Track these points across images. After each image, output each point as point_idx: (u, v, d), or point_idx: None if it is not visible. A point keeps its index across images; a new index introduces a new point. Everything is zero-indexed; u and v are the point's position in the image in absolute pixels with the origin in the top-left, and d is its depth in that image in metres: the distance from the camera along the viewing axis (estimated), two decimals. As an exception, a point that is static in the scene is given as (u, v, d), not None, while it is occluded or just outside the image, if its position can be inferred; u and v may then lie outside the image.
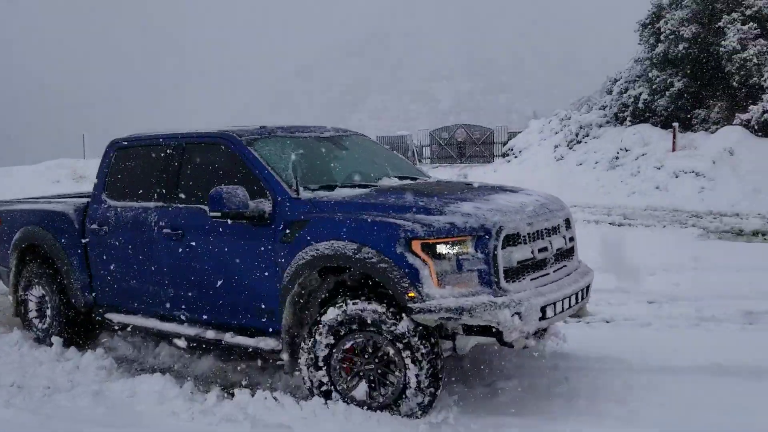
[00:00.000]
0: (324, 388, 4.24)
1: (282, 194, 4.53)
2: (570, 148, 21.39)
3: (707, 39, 18.22)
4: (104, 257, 5.54)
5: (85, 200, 5.93)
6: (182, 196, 5.07)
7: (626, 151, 18.70)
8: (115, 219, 5.43)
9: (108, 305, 5.70)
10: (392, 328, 3.98)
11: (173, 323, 5.17)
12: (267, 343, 4.58)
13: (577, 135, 21.57)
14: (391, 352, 4.03)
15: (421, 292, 3.86)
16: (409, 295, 3.88)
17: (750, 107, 16.81)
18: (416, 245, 3.90)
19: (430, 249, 3.90)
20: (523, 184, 5.60)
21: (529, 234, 4.19)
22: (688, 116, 18.89)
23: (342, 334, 4.14)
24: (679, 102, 18.88)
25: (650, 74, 19.60)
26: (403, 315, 3.96)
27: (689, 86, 18.76)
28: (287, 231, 4.38)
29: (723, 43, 17.35)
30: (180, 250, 4.96)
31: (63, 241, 5.78)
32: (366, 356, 4.12)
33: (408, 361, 3.97)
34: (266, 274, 4.51)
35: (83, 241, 5.71)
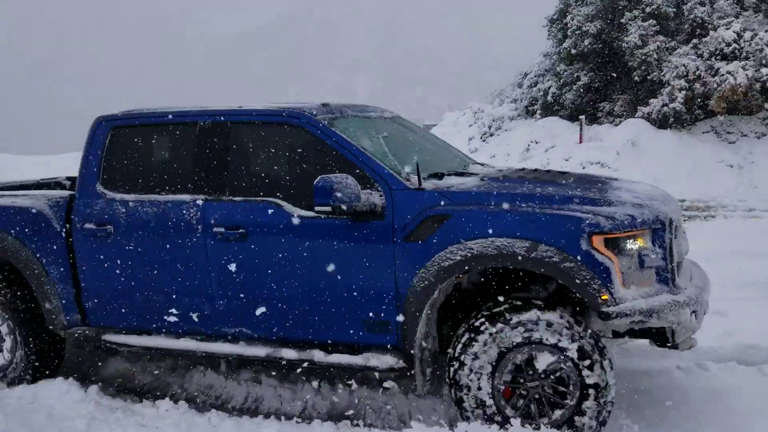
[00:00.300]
0: (486, 411, 3.66)
1: (396, 184, 3.86)
2: (483, 141, 21.84)
3: (611, 35, 18.97)
4: (106, 264, 4.44)
5: (61, 193, 4.73)
6: (239, 187, 4.16)
7: (536, 143, 19.26)
8: (126, 216, 4.35)
9: (108, 325, 4.59)
10: (570, 336, 3.53)
11: (223, 343, 4.25)
12: (382, 360, 3.84)
13: (490, 128, 22.04)
14: (565, 364, 3.56)
15: (613, 294, 3.43)
16: (603, 298, 3.43)
17: (650, 101, 17.63)
18: (598, 241, 3.46)
19: (613, 245, 3.49)
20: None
21: (679, 225, 4.02)
22: (594, 109, 19.64)
23: (509, 348, 3.61)
24: (586, 96, 19.58)
25: (558, 69, 20.24)
26: (575, 320, 3.57)
27: (594, 80, 19.50)
28: (416, 227, 3.73)
29: (625, 39, 18.10)
30: (241, 253, 4.08)
31: (34, 246, 4.57)
32: (532, 371, 3.62)
33: (586, 372, 3.52)
34: (379, 279, 3.83)
35: (64, 244, 4.56)
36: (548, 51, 21.71)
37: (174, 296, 4.29)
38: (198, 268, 4.19)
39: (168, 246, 4.24)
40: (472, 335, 3.65)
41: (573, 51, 19.47)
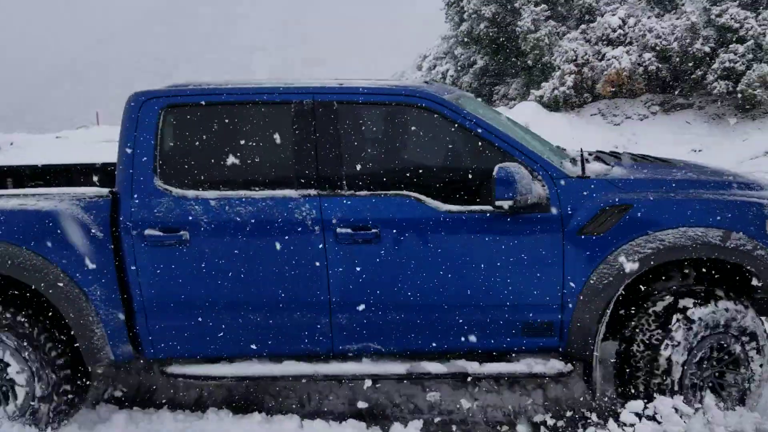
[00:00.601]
0: (681, 400, 3.52)
1: (557, 173, 3.51)
2: (384, 122, 21.97)
3: (506, 19, 19.46)
4: (180, 279, 3.56)
5: (94, 191, 3.68)
6: (360, 179, 3.55)
7: (436, 124, 19.56)
8: (208, 218, 3.51)
9: (176, 354, 3.72)
10: (742, 323, 3.55)
11: (341, 363, 3.67)
12: (549, 366, 3.57)
13: (390, 109, 22.19)
14: (737, 349, 3.58)
15: None
16: None
17: (543, 84, 18.26)
18: None
19: None
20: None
21: None
22: (490, 92, 20.15)
23: (698, 342, 3.53)
24: (482, 78, 20.05)
25: (456, 51, 20.60)
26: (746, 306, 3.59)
27: (490, 64, 19.98)
28: (592, 219, 3.44)
29: (519, 23, 18.60)
30: (373, 256, 3.50)
31: (65, 261, 3.51)
32: (708, 361, 3.59)
33: (753, 354, 3.57)
34: (544, 277, 3.49)
35: (110, 257, 3.58)
36: (447, 34, 22.04)
37: (278, 312, 3.59)
38: (313, 276, 3.52)
39: (271, 252, 3.50)
40: (673, 327, 3.52)
41: (470, 34, 19.86)
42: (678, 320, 3.50)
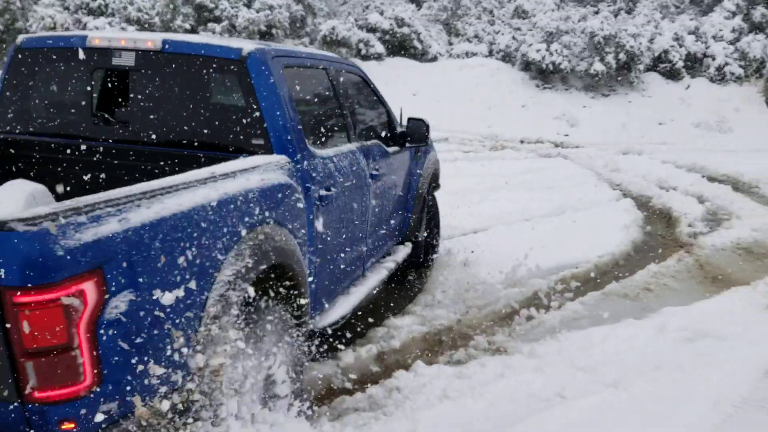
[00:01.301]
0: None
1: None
2: None
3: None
4: (329, 234, 3.63)
5: (275, 158, 3.21)
6: (360, 132, 4.36)
7: None
8: (337, 174, 3.71)
9: (318, 310, 3.71)
10: None
11: (367, 277, 4.50)
12: (407, 249, 5.25)
13: None
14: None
15: None
16: None
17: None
18: None
19: None
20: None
21: None
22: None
23: None
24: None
25: None
26: None
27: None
28: (417, 151, 5.39)
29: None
30: (381, 187, 4.48)
31: (295, 235, 3.17)
32: None
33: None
34: (409, 186, 5.25)
35: (308, 222, 3.37)
36: None
37: (355, 245, 4.13)
38: (365, 211, 4.18)
39: (356, 196, 3.98)
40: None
41: None
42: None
